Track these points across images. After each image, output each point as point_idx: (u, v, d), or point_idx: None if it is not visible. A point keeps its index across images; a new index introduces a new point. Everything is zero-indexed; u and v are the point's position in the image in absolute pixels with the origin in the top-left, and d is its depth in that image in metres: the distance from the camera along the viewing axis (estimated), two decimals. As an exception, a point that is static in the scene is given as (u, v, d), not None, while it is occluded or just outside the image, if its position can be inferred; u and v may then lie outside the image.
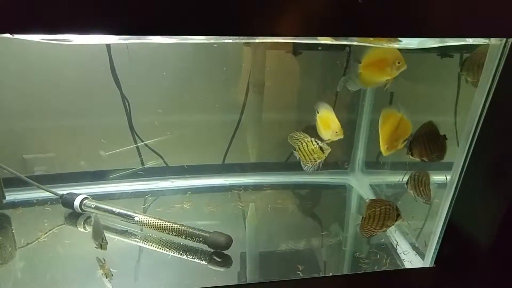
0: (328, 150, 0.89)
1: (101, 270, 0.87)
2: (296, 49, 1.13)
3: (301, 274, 0.91)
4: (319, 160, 0.90)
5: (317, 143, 0.88)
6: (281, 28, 0.62)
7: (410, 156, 0.88)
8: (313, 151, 0.88)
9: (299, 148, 0.90)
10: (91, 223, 1.02)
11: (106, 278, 0.85)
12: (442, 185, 0.89)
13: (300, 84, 1.26)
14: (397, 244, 1.03)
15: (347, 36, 0.82)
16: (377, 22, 0.64)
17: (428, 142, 0.86)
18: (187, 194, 1.22)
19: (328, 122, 0.93)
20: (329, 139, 0.92)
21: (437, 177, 0.91)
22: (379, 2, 0.62)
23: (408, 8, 0.63)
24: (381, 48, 0.84)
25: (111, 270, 0.86)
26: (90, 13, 0.56)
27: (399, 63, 0.83)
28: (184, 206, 1.16)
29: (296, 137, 0.92)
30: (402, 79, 0.90)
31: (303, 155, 0.90)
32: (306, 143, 0.89)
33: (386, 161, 1.24)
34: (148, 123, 1.20)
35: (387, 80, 0.86)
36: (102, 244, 0.89)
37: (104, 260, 0.88)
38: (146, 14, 0.57)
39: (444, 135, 0.86)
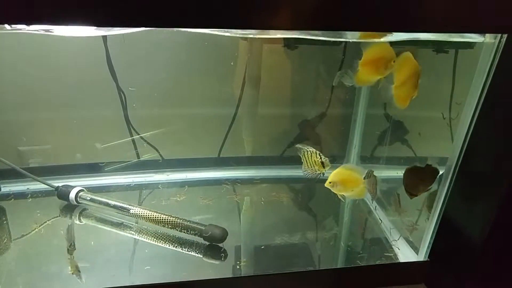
0: (329, 166, 0.89)
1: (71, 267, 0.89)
2: (292, 43, 1.12)
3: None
4: (319, 172, 0.91)
5: (320, 157, 0.89)
6: (275, 21, 0.62)
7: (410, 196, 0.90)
8: (315, 163, 0.89)
9: (303, 154, 0.91)
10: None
11: (73, 274, 0.87)
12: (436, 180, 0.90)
13: (296, 78, 1.26)
14: (395, 239, 1.04)
15: (342, 30, 0.81)
16: (373, 17, 0.64)
17: (423, 180, 0.88)
18: (185, 188, 1.23)
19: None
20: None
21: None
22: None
23: (407, 3, 0.63)
24: (377, 45, 0.82)
25: (78, 266, 0.89)
26: (87, 3, 0.55)
27: (394, 61, 0.81)
28: (178, 199, 1.16)
29: (301, 147, 0.92)
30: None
31: (306, 162, 0.91)
32: (310, 153, 0.90)
33: (381, 156, 1.25)
34: (143, 116, 1.20)
35: (378, 79, 0.85)
36: (69, 249, 0.93)
37: (73, 257, 0.91)
38: (143, 5, 0.57)
39: (427, 164, 0.87)
